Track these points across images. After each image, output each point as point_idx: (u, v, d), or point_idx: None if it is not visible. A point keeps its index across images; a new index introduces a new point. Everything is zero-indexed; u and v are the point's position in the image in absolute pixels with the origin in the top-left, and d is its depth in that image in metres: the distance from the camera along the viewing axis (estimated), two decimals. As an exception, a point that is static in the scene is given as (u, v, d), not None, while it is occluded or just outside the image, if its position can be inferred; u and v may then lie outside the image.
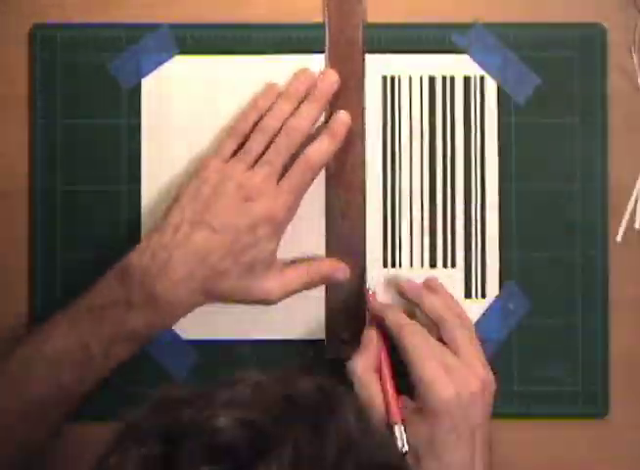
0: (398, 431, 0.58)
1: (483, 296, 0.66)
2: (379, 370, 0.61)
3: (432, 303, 0.62)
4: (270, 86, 0.64)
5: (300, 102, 0.63)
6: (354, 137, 0.65)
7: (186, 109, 0.66)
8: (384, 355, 0.61)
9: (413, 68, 0.66)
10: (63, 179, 0.66)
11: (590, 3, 0.67)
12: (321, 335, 0.65)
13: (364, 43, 0.65)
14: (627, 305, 0.66)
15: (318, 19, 0.66)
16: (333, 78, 0.64)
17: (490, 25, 0.66)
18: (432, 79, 0.66)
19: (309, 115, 0.62)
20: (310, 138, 0.62)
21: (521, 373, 0.65)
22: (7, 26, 0.66)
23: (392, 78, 0.66)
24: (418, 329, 0.61)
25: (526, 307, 0.66)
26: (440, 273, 0.66)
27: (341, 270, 0.64)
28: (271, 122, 0.62)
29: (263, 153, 0.61)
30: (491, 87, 0.66)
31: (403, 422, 0.59)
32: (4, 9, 0.66)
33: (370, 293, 0.64)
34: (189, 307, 0.61)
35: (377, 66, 0.66)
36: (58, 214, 0.65)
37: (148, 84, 0.66)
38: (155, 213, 0.65)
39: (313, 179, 0.62)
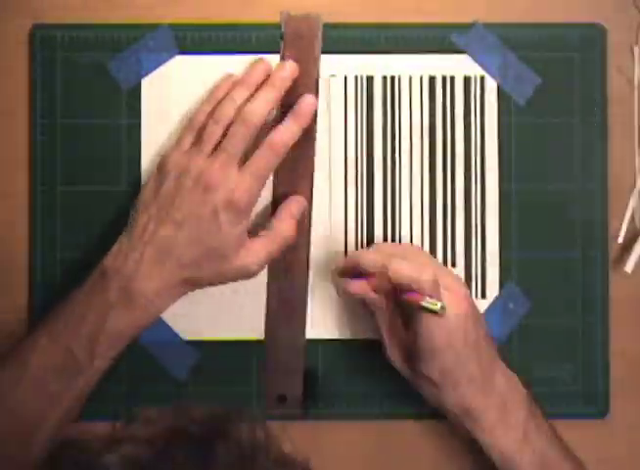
0: (429, 303, 0.58)
1: (483, 296, 0.66)
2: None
3: (398, 267, 0.61)
4: (226, 76, 0.65)
5: (257, 90, 0.63)
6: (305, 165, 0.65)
7: (186, 109, 0.66)
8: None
9: (413, 68, 0.66)
10: (63, 179, 0.66)
11: (590, 3, 0.67)
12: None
13: (322, 44, 0.65)
14: (627, 305, 0.66)
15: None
16: (290, 67, 0.64)
17: (490, 26, 0.66)
18: (432, 79, 0.66)
19: (265, 101, 0.62)
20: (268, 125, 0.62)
21: (521, 373, 0.65)
22: (7, 26, 0.66)
23: (392, 78, 0.66)
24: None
25: (526, 307, 0.66)
26: (440, 273, 0.66)
27: (293, 230, 0.64)
28: (225, 111, 0.62)
29: (221, 142, 0.61)
30: (491, 87, 0.66)
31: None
32: (4, 9, 0.66)
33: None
34: (168, 302, 0.61)
35: (377, 66, 0.66)
36: (58, 214, 0.65)
37: (148, 84, 0.66)
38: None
39: (277, 163, 0.62)
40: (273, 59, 0.65)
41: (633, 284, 0.66)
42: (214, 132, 0.61)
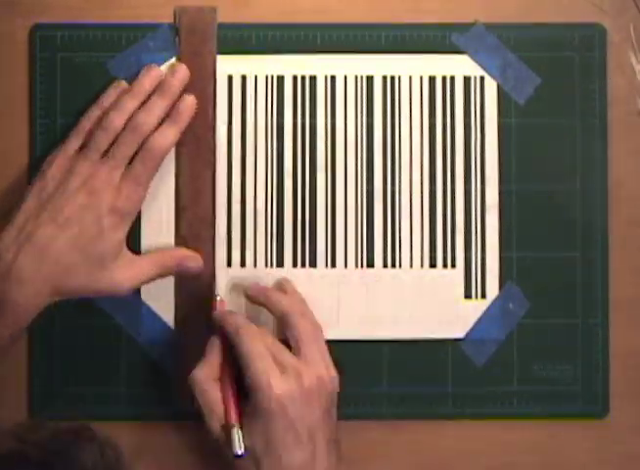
0: (235, 433, 0.58)
1: (483, 296, 0.66)
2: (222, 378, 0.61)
3: (277, 300, 0.62)
4: (116, 83, 0.64)
5: (147, 98, 0.63)
6: (203, 153, 0.65)
7: (186, 109, 0.66)
8: (225, 361, 0.60)
9: (413, 68, 0.66)
10: (63, 179, 0.66)
11: (590, 3, 0.67)
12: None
13: (217, 43, 0.65)
14: (627, 306, 0.66)
15: (319, 19, 0.66)
16: (182, 73, 0.64)
17: (490, 26, 0.66)
18: (432, 79, 0.66)
19: (155, 110, 0.62)
20: None
21: (521, 373, 0.65)
22: (7, 26, 0.66)
23: (392, 78, 0.66)
24: (254, 330, 0.60)
25: (526, 307, 0.66)
26: (440, 273, 0.66)
27: (192, 259, 0.64)
28: (113, 119, 0.61)
29: (109, 149, 0.61)
30: (491, 87, 0.66)
31: (241, 425, 0.58)
32: (4, 9, 0.66)
33: (218, 299, 0.63)
34: (38, 308, 0.60)
35: (377, 66, 0.66)
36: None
37: (148, 84, 0.66)
38: (155, 214, 0.65)
39: (156, 168, 0.62)
40: (273, 59, 0.65)
41: (633, 284, 0.66)
42: (102, 140, 0.61)
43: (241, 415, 0.59)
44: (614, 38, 0.66)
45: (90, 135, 0.62)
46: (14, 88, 0.66)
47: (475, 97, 0.66)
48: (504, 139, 0.66)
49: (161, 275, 0.63)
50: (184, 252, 0.64)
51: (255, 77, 0.66)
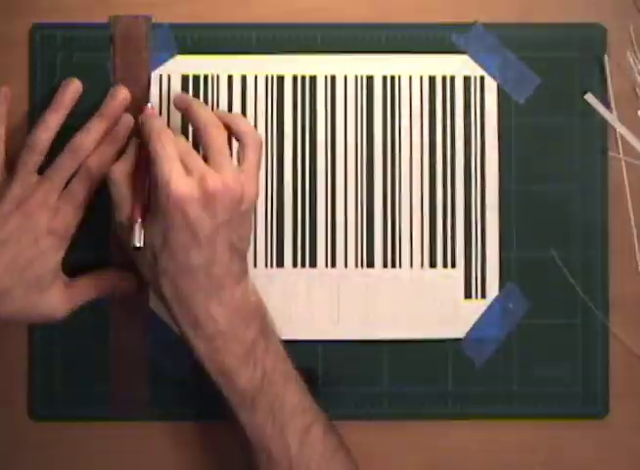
0: (136, 228, 0.58)
1: (483, 296, 0.66)
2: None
3: (197, 110, 0.61)
4: (54, 99, 0.64)
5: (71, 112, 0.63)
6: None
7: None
8: (141, 161, 0.60)
9: (413, 68, 0.66)
10: (63, 179, 0.66)
11: (590, 3, 0.67)
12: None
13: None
14: (627, 305, 0.66)
15: (319, 19, 0.66)
16: (122, 95, 0.64)
17: (490, 26, 0.66)
18: (432, 79, 0.66)
19: (94, 132, 0.62)
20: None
21: (521, 373, 0.65)
22: (7, 26, 0.66)
23: (392, 78, 0.66)
24: (169, 134, 0.59)
25: (526, 307, 0.66)
26: (440, 273, 0.66)
27: (127, 279, 0.64)
28: (39, 135, 0.62)
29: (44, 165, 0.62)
30: (491, 87, 0.66)
31: (143, 221, 0.58)
32: (4, 9, 0.66)
33: (149, 106, 0.63)
34: None
35: (377, 66, 0.66)
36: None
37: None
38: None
39: (93, 188, 0.62)
40: (273, 59, 0.65)
41: (633, 284, 0.66)
42: (30, 159, 0.61)
43: (145, 212, 0.59)
44: (614, 38, 0.66)
45: (17, 154, 0.62)
46: (14, 88, 0.66)
47: (475, 97, 0.66)
48: (504, 139, 0.66)
49: (98, 297, 0.63)
50: (119, 273, 0.64)
51: (255, 77, 0.66)
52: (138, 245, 0.58)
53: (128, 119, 0.64)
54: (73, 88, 0.64)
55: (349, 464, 0.60)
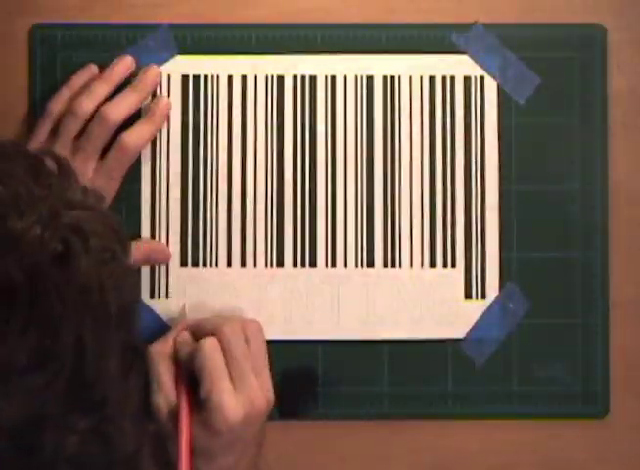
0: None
1: (483, 296, 0.66)
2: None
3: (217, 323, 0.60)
4: (88, 67, 0.64)
5: (116, 87, 0.63)
6: None
7: (186, 109, 0.66)
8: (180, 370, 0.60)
9: (413, 68, 0.66)
10: (63, 179, 0.65)
11: (590, 3, 0.67)
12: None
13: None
14: (627, 305, 0.66)
15: (319, 19, 0.66)
16: (155, 72, 0.64)
17: (490, 26, 0.66)
18: (432, 79, 0.66)
19: (126, 105, 0.62)
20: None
21: (521, 373, 0.65)
22: (7, 26, 0.66)
23: (392, 78, 0.66)
24: (216, 344, 0.59)
25: (526, 307, 0.66)
26: (440, 273, 0.66)
27: (161, 251, 0.64)
28: (83, 104, 0.62)
29: (79, 135, 0.61)
30: (491, 87, 0.66)
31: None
32: (4, 9, 0.66)
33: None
34: None
35: (377, 66, 0.66)
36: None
37: (148, 84, 0.66)
38: (154, 214, 0.65)
39: (129, 163, 0.63)
40: (273, 59, 0.66)
41: (633, 284, 0.66)
42: (72, 126, 0.61)
43: (190, 409, 0.58)
44: (614, 38, 0.66)
45: (60, 119, 0.62)
46: (14, 88, 0.66)
47: (475, 97, 0.66)
48: (504, 139, 0.66)
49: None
50: (153, 244, 0.64)
51: (255, 77, 0.66)
52: None
53: (165, 102, 0.64)
54: (126, 64, 0.64)
55: None
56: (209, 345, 0.58)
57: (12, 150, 0.43)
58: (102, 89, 0.62)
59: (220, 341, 0.58)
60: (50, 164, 0.44)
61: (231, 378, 0.58)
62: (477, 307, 0.66)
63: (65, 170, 0.44)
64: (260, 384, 0.58)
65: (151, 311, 0.65)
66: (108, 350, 0.42)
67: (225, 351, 0.58)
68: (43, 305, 0.39)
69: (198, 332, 0.60)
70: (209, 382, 0.57)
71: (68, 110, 0.62)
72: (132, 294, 0.45)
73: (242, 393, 0.58)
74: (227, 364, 0.58)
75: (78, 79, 0.64)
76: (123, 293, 0.43)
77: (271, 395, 0.59)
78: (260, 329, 0.61)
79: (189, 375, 0.59)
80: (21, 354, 0.39)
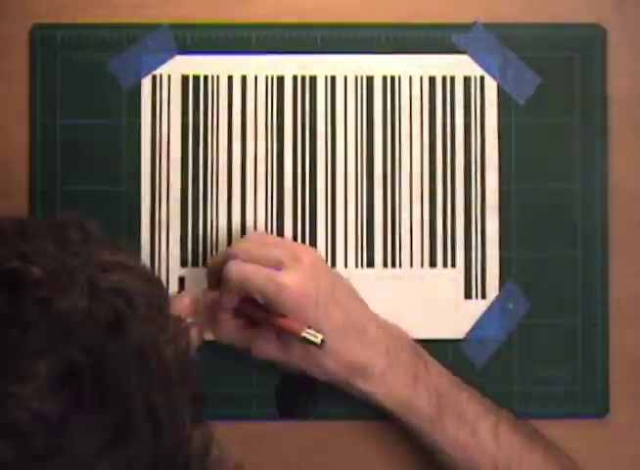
0: (309, 333, 0.58)
1: (483, 296, 0.66)
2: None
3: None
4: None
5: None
6: None
7: (186, 109, 0.66)
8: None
9: (413, 68, 0.66)
10: (63, 179, 0.66)
11: (590, 3, 0.67)
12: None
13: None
14: (627, 305, 0.66)
15: (319, 19, 0.66)
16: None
17: (490, 26, 0.66)
18: (432, 79, 0.66)
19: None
20: None
21: (521, 373, 0.65)
22: (7, 26, 0.66)
23: (392, 78, 0.66)
24: (238, 262, 0.60)
25: (526, 307, 0.66)
26: (440, 273, 0.66)
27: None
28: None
29: None
30: (491, 87, 0.66)
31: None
32: (4, 9, 0.66)
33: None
34: None
35: (377, 66, 0.66)
36: (58, 215, 0.65)
37: (148, 84, 0.66)
38: (154, 214, 0.65)
39: None
40: (273, 59, 0.66)
41: (633, 284, 0.66)
42: None
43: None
44: (614, 38, 0.66)
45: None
46: (14, 88, 0.66)
47: (475, 97, 0.66)
48: (504, 139, 0.66)
49: None
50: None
51: (255, 77, 0.66)
52: (322, 339, 0.58)
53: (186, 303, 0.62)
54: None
55: (551, 449, 0.61)
56: (231, 264, 0.59)
57: (34, 227, 0.43)
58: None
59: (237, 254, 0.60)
60: (73, 231, 0.43)
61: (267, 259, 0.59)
62: (477, 307, 0.66)
63: (87, 233, 0.44)
64: (295, 246, 0.61)
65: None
66: (179, 408, 0.42)
67: (250, 259, 0.59)
68: (108, 380, 0.39)
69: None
70: (256, 279, 0.58)
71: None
72: (186, 343, 0.45)
73: (286, 266, 0.59)
74: (255, 259, 0.59)
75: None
76: (178, 345, 0.43)
77: (309, 247, 0.62)
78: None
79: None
80: (98, 434, 0.39)
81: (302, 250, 0.62)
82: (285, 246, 0.62)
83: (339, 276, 0.63)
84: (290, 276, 0.59)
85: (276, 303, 0.59)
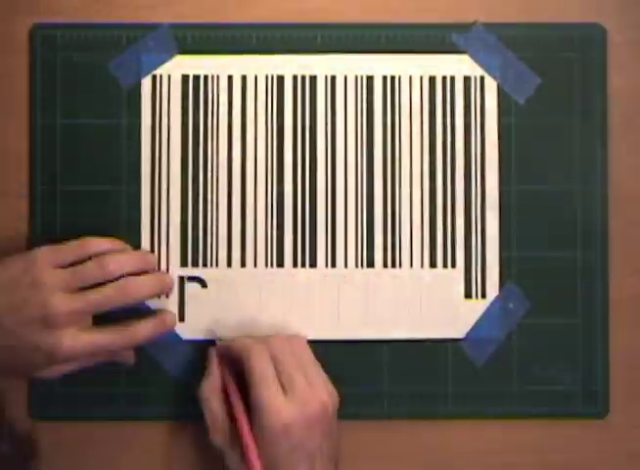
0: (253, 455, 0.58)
1: (483, 296, 0.66)
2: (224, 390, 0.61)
3: (261, 346, 0.61)
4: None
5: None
6: None
7: (186, 109, 0.66)
8: (227, 376, 0.61)
9: (413, 68, 0.66)
10: (63, 179, 0.66)
11: (590, 3, 0.67)
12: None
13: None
14: (627, 305, 0.66)
15: (319, 19, 0.66)
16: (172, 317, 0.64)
17: (490, 26, 0.66)
18: (432, 79, 0.66)
19: (151, 288, 0.62)
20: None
21: (520, 373, 0.65)
22: (7, 26, 0.66)
23: (392, 78, 0.66)
24: (264, 350, 0.60)
25: (526, 307, 0.66)
26: (440, 273, 0.66)
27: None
28: (113, 267, 0.60)
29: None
30: (491, 87, 0.66)
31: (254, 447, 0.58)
32: (4, 9, 0.66)
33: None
34: None
35: (377, 66, 0.66)
36: (58, 214, 0.65)
37: (148, 84, 0.66)
38: (154, 214, 0.65)
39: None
40: (273, 59, 0.66)
41: (633, 284, 0.66)
42: (92, 276, 0.60)
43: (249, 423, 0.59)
44: (614, 38, 0.66)
45: (84, 260, 0.61)
46: (14, 88, 0.66)
47: (475, 97, 0.66)
48: (504, 139, 0.66)
49: (118, 347, 0.62)
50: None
51: (255, 77, 0.66)
52: None
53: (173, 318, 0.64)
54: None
55: None
56: (257, 349, 0.60)
57: None
58: (132, 266, 0.62)
59: (267, 349, 0.61)
60: None
61: (281, 384, 0.59)
62: (477, 307, 0.66)
63: None
64: (313, 388, 0.60)
65: (151, 312, 0.65)
66: None
67: (273, 358, 0.60)
68: None
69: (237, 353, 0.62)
70: (258, 385, 0.58)
71: (97, 262, 0.60)
72: None
73: (292, 395, 0.59)
74: (276, 370, 0.60)
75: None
76: None
77: (327, 399, 0.60)
78: (305, 343, 0.64)
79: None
80: None
81: (319, 393, 0.60)
82: (310, 374, 0.61)
83: (334, 435, 0.61)
84: (288, 409, 0.58)
85: (260, 418, 0.58)
